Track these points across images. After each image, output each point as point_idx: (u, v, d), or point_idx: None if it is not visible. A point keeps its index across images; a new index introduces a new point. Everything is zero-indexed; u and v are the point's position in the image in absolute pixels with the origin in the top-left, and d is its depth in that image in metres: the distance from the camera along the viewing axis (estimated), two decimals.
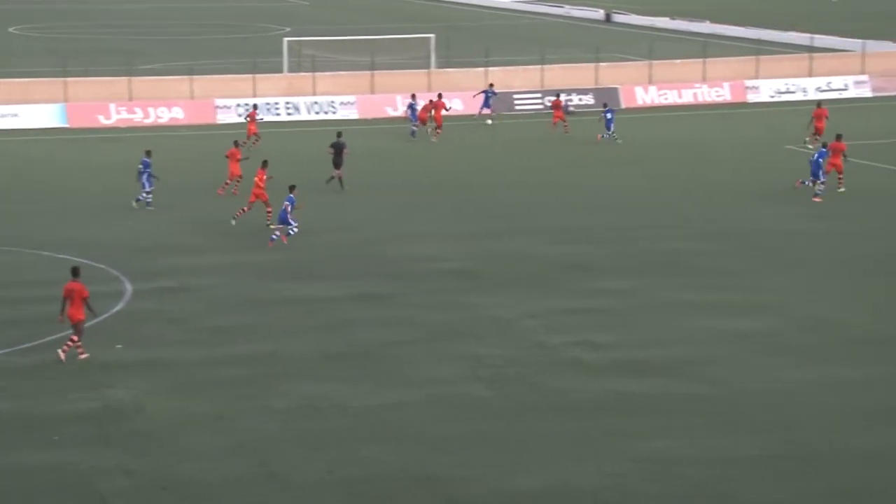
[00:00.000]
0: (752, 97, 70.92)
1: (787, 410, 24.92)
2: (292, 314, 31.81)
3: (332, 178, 46.82)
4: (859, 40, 79.22)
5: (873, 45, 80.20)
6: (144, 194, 43.34)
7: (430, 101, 59.67)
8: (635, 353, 28.52)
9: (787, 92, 71.40)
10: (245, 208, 40.92)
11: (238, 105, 64.68)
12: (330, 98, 67.03)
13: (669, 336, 29.72)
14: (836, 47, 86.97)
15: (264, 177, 40.74)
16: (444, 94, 62.78)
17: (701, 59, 73.73)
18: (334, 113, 66.27)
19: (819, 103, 55.74)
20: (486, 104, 63.09)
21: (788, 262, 36.44)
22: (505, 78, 72.59)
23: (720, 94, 69.38)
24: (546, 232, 40.49)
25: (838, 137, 46.02)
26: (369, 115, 66.22)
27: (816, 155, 45.11)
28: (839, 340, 29.18)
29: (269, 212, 40.49)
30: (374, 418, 24.94)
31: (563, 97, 62.73)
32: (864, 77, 73.45)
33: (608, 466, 22.53)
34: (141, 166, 43.51)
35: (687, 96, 70.28)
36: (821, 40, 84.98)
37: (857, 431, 23.74)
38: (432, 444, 23.63)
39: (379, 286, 34.37)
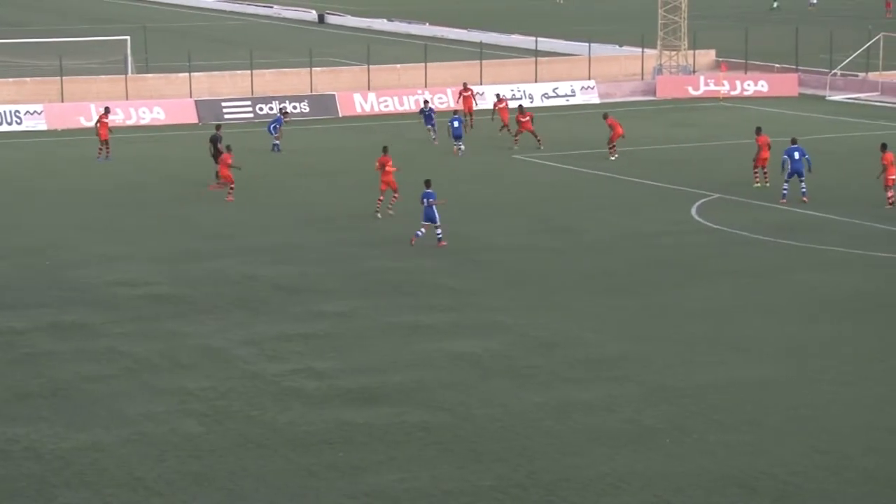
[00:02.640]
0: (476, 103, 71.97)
1: (524, 436, 25.19)
2: None
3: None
4: (585, 43, 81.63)
5: (599, 49, 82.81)
6: None
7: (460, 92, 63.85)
8: (361, 379, 28.45)
9: (513, 98, 72.71)
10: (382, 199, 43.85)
11: None
12: (13, 107, 64.97)
13: (397, 361, 29.76)
14: (562, 51, 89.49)
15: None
16: (146, 103, 61.56)
17: (422, 64, 74.64)
18: (19, 123, 64.30)
19: (520, 107, 59.67)
20: (428, 122, 59.47)
21: (518, 278, 37.07)
22: (212, 84, 72.03)
23: (443, 100, 70.33)
24: (258, 251, 40.15)
25: (758, 131, 48.76)
26: (59, 126, 64.47)
27: (794, 156, 45.69)
28: (570, 361, 29.75)
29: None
30: (72, 462, 24.09)
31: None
32: (591, 83, 75.71)
33: (330, 503, 22.39)
34: None
35: (409, 103, 70.88)
36: (545, 44, 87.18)
37: (591, 458, 24.19)
38: (136, 488, 22.98)
39: (73, 314, 33.35)
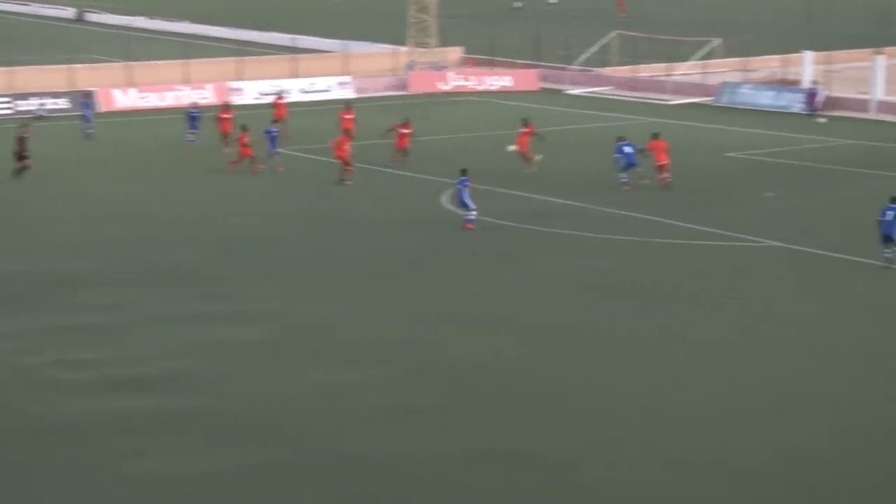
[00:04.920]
0: (236, 99, 71.62)
1: (289, 418, 25.20)
2: None
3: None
4: (340, 41, 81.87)
5: (354, 46, 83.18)
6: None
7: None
8: (127, 369, 27.97)
9: (273, 94, 72.71)
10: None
11: None
12: None
13: (165, 350, 29.35)
14: (319, 48, 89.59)
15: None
16: None
17: (182, 60, 73.78)
18: None
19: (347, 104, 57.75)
20: (192, 126, 56.83)
21: (284, 266, 36.98)
22: None
23: (204, 96, 69.65)
24: (25, 244, 39.13)
25: (655, 136, 47.88)
26: None
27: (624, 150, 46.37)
28: (333, 344, 29.87)
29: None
30: None
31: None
32: (348, 78, 76.02)
33: (90, 489, 21.86)
34: None
35: (169, 99, 70.14)
36: (303, 41, 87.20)
37: (356, 436, 24.34)
38: None
39: None
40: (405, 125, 52.58)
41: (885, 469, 22.79)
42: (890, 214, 35.37)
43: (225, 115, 55.72)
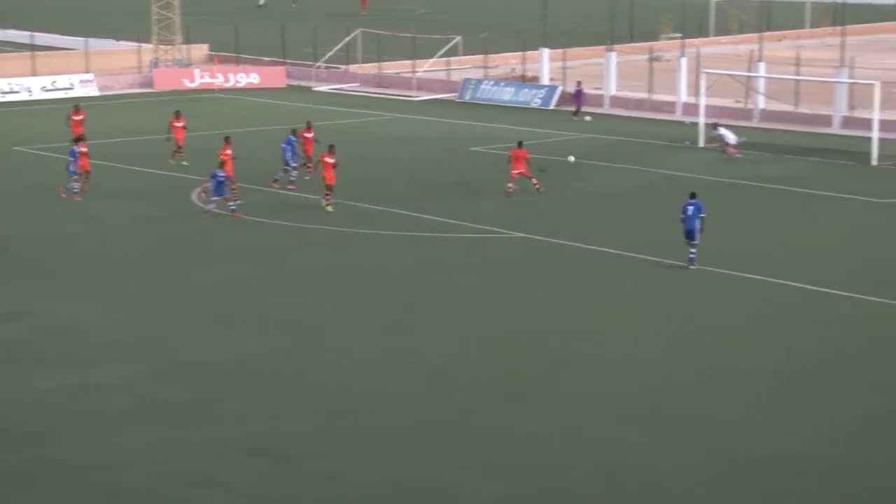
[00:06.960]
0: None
1: (38, 421, 24.40)
2: None
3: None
4: (82, 38, 79.94)
5: (96, 43, 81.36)
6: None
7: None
8: None
9: (12, 92, 70.72)
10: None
11: None
12: None
13: None
14: (59, 45, 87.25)
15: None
16: None
17: None
18: None
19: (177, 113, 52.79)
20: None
21: (34, 267, 35.82)
22: None
23: None
24: None
25: (520, 144, 45.83)
26: None
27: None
28: (81, 345, 29.01)
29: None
30: None
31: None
32: (90, 76, 74.24)
33: None
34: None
35: None
36: (42, 38, 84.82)
37: (106, 436, 23.64)
38: None
39: None
40: (308, 129, 49.00)
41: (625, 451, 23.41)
42: (690, 209, 35.65)
43: None
